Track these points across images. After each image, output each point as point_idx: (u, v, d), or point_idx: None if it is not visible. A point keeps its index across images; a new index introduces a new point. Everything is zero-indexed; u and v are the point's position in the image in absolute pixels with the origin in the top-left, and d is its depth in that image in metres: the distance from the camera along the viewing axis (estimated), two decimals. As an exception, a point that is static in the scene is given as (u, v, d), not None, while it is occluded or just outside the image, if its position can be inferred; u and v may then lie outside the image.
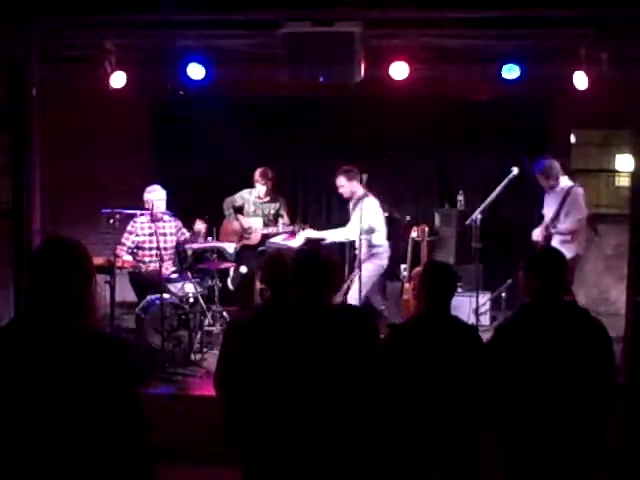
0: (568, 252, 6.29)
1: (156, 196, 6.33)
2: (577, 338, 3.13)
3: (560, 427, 3.10)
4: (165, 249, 6.32)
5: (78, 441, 2.06)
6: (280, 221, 7.10)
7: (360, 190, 6.55)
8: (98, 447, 2.07)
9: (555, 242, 6.20)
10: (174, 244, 6.51)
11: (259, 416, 2.75)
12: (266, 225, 7.07)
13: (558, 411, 3.09)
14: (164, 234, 6.41)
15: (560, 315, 3.18)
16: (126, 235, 6.32)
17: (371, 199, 6.52)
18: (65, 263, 2.16)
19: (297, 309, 2.81)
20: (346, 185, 6.59)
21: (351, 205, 6.67)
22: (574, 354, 3.11)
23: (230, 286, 7.11)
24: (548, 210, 6.39)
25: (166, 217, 6.45)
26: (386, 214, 6.76)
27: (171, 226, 6.51)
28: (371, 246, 6.46)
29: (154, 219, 6.23)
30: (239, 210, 7.27)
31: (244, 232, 7.14)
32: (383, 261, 6.60)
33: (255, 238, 7.09)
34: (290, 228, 6.90)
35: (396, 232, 7.39)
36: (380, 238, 6.53)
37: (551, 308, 3.19)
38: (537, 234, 6.36)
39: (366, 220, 6.33)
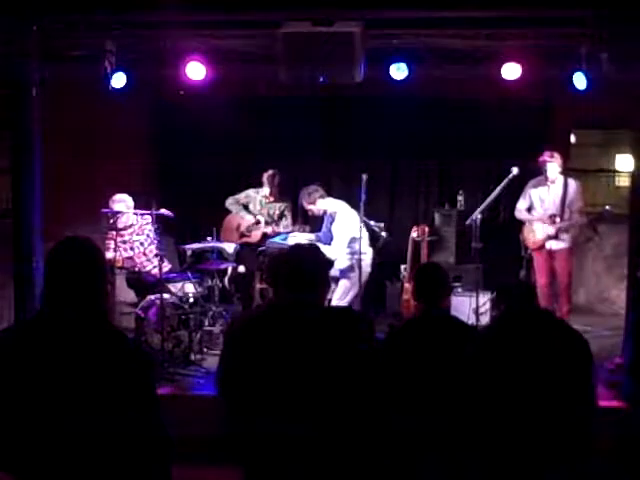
0: (567, 243, 6.54)
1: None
2: (553, 351, 3.11)
3: (533, 436, 3.08)
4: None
5: (97, 437, 2.08)
6: (282, 222, 7.12)
7: (329, 204, 6.54)
8: (117, 442, 2.09)
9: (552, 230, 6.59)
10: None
11: (257, 420, 2.72)
12: (268, 224, 7.09)
13: (532, 424, 3.08)
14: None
15: (536, 327, 3.18)
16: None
17: (344, 214, 6.44)
18: (81, 262, 2.21)
19: (290, 311, 2.76)
20: (311, 208, 6.59)
21: (326, 218, 6.65)
22: (549, 367, 3.09)
23: (227, 286, 7.12)
24: (550, 204, 6.62)
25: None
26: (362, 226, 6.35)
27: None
28: (354, 253, 6.33)
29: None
30: (244, 208, 7.29)
31: (245, 230, 7.15)
32: (367, 269, 6.34)
33: (256, 236, 7.10)
34: (290, 229, 6.93)
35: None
36: (363, 245, 6.32)
37: (527, 320, 3.19)
38: (547, 231, 6.57)
39: (347, 234, 6.32)
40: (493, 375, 3.13)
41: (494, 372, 3.13)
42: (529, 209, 6.77)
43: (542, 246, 6.64)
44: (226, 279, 7.12)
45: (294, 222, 7.27)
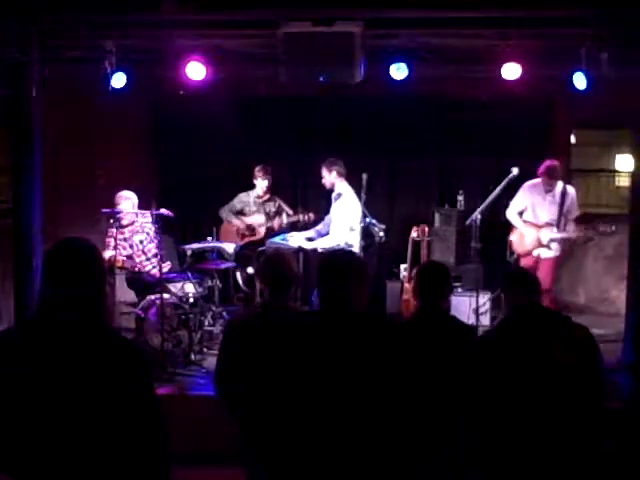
0: (556, 251, 6.43)
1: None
2: (560, 348, 3.09)
3: (546, 436, 3.05)
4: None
5: (96, 439, 2.07)
6: (284, 215, 7.12)
7: (340, 185, 6.58)
8: (116, 445, 2.09)
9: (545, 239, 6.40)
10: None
11: (272, 425, 2.67)
12: (270, 220, 7.11)
13: (542, 421, 3.06)
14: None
15: (542, 324, 3.16)
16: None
17: (348, 199, 6.49)
18: (77, 263, 2.19)
19: (325, 316, 2.69)
20: (326, 176, 6.68)
21: (332, 198, 6.71)
22: (556, 364, 3.07)
23: (244, 288, 7.07)
24: (544, 211, 6.44)
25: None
26: (362, 224, 6.38)
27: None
28: (346, 244, 6.34)
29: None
30: (239, 213, 7.29)
31: (247, 230, 7.16)
32: None
33: (260, 234, 7.12)
34: (295, 218, 6.95)
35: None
36: (354, 238, 6.34)
37: (533, 318, 3.18)
38: (542, 239, 6.39)
39: (346, 221, 6.32)
40: (502, 377, 3.10)
41: (504, 373, 3.10)
42: (521, 212, 6.58)
43: (530, 252, 6.46)
44: (240, 282, 7.06)
45: (295, 212, 7.25)
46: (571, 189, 6.49)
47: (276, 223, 7.07)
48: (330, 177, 6.65)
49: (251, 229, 7.16)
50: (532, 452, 3.06)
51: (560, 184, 6.44)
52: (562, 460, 3.06)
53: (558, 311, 3.41)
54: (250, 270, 6.92)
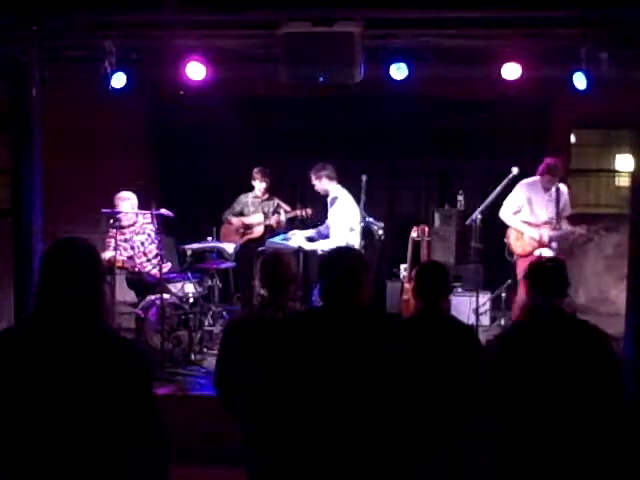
0: (556, 251, 6.37)
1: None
2: (577, 354, 3.05)
3: (563, 442, 3.02)
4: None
5: (94, 440, 2.07)
6: (282, 212, 7.12)
7: (333, 188, 6.52)
8: (113, 446, 2.09)
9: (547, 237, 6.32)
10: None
11: (273, 424, 2.67)
12: (268, 218, 7.12)
13: (560, 425, 3.02)
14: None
15: (559, 329, 3.11)
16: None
17: (344, 202, 6.45)
18: (76, 263, 2.18)
19: (326, 312, 2.68)
20: (316, 184, 6.57)
21: (328, 203, 6.66)
22: (573, 370, 3.03)
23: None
24: (543, 210, 6.37)
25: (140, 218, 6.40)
26: (362, 224, 6.32)
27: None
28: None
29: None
30: (239, 214, 7.30)
31: (246, 228, 7.17)
32: None
33: (259, 231, 7.12)
34: (293, 214, 6.94)
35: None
36: (354, 239, 6.30)
37: (550, 322, 3.12)
38: (543, 237, 6.34)
39: (345, 223, 6.32)
40: (511, 380, 3.08)
41: (514, 377, 3.07)
42: (515, 212, 6.43)
43: (530, 253, 6.29)
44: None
45: (294, 208, 7.25)
46: (564, 187, 6.41)
47: (274, 220, 7.06)
48: (321, 184, 6.54)
49: (249, 227, 7.17)
50: (548, 458, 3.02)
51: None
52: (580, 464, 3.03)
53: (574, 314, 3.35)
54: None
